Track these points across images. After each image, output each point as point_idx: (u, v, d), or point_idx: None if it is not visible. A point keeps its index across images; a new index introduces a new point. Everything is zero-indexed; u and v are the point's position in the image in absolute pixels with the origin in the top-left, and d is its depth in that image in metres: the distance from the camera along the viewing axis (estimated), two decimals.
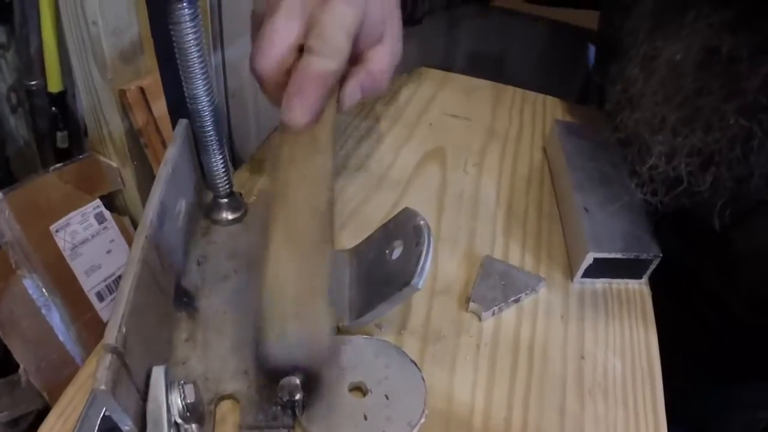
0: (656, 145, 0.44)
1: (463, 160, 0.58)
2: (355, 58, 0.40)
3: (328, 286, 0.34)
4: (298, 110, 0.37)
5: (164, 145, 0.90)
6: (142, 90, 0.84)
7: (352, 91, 0.41)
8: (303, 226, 0.35)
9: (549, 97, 0.70)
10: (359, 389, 0.37)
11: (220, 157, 0.44)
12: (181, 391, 0.31)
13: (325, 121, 0.39)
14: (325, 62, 0.36)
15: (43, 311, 0.83)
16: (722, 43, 0.39)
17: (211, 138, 0.42)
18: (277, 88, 0.38)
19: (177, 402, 0.31)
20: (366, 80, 0.41)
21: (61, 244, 0.87)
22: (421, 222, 0.38)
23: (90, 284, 0.91)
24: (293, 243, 0.34)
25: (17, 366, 0.80)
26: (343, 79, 0.40)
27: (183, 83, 0.39)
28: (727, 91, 0.39)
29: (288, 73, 0.37)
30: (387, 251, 0.40)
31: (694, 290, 0.53)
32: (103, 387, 0.26)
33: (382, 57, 0.41)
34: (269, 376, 0.35)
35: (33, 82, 0.87)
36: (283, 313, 0.32)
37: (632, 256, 0.45)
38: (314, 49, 0.36)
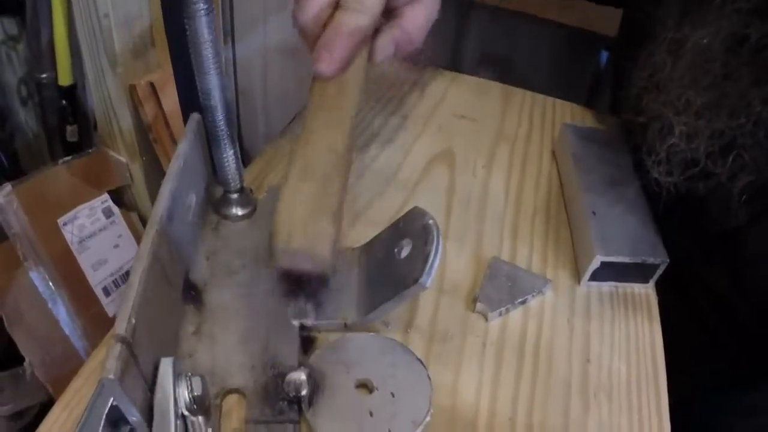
0: (679, 125, 0.43)
1: (472, 161, 0.58)
2: (390, 13, 0.43)
3: (335, 208, 0.38)
4: (326, 61, 0.40)
5: (173, 140, 0.90)
6: (152, 85, 0.84)
7: (384, 45, 0.44)
8: (318, 162, 0.39)
9: (558, 100, 0.70)
10: (365, 386, 0.37)
11: (231, 152, 0.44)
12: (189, 383, 0.32)
13: (354, 71, 0.43)
14: (355, 18, 0.40)
15: (49, 304, 0.83)
16: (751, 30, 0.39)
17: (223, 133, 0.42)
18: (314, 41, 0.41)
19: (184, 394, 0.31)
20: (400, 36, 0.44)
21: (68, 237, 0.87)
22: (430, 221, 0.39)
23: (96, 279, 0.91)
24: (307, 174, 0.38)
25: (22, 359, 0.81)
26: (377, 32, 0.43)
27: (196, 78, 0.39)
28: (755, 77, 0.39)
29: (324, 26, 0.41)
30: (395, 250, 0.40)
31: (700, 293, 0.53)
32: (111, 376, 0.26)
33: (418, 14, 0.44)
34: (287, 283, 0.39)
35: (43, 75, 0.88)
36: (291, 226, 0.36)
37: (640, 261, 0.45)
38: (346, 5, 0.40)
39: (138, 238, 0.96)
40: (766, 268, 0.46)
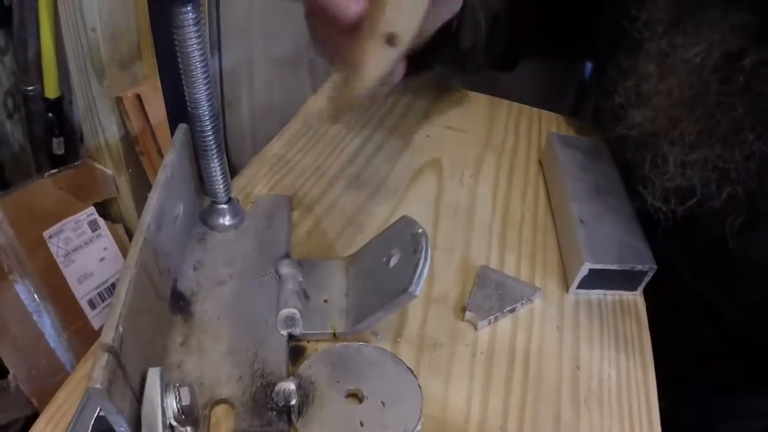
0: (673, 156, 0.43)
1: (459, 171, 0.59)
2: None
3: None
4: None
5: (160, 153, 0.90)
6: (138, 97, 0.84)
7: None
8: None
9: (544, 111, 0.70)
10: (355, 396, 0.37)
11: (219, 162, 0.44)
12: (177, 393, 0.31)
13: None
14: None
15: (35, 317, 0.82)
16: (744, 52, 0.38)
17: (211, 143, 0.42)
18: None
19: (172, 404, 0.31)
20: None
21: (54, 250, 0.87)
22: (419, 230, 0.39)
23: (82, 291, 0.90)
24: None
25: (6, 372, 0.80)
26: None
27: (184, 87, 0.39)
28: (748, 109, 0.39)
29: None
30: (384, 259, 0.40)
31: (690, 302, 0.53)
32: (98, 386, 0.26)
33: None
34: None
35: (30, 88, 0.87)
36: None
37: (628, 268, 0.46)
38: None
39: (124, 251, 0.95)
40: (754, 275, 0.47)
